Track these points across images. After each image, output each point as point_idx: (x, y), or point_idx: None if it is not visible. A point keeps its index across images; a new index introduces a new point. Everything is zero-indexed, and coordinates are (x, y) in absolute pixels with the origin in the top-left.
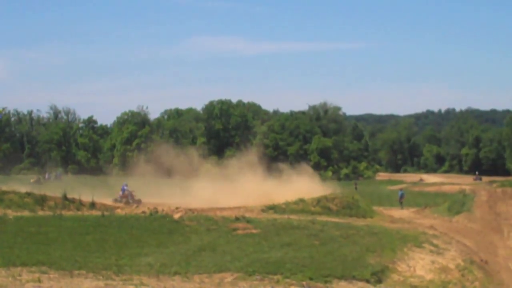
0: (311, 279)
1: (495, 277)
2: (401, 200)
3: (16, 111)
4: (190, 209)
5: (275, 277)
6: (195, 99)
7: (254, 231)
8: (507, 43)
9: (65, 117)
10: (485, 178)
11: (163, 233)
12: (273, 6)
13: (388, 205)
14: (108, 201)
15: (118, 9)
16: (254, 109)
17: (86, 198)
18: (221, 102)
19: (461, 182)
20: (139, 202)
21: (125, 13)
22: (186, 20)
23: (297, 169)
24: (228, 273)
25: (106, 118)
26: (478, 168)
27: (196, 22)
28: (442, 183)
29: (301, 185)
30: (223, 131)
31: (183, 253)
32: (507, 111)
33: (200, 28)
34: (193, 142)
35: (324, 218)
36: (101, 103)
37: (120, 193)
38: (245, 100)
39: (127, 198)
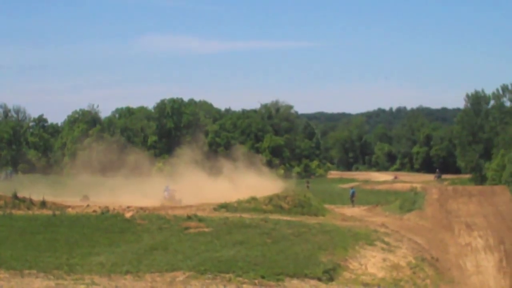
0: (263, 277)
1: (446, 275)
2: (353, 198)
3: None
4: (141, 208)
5: (227, 275)
6: (147, 97)
7: (206, 229)
8: (458, 41)
9: (15, 115)
10: (431, 176)
11: (114, 232)
12: (225, 5)
13: (340, 203)
14: (59, 200)
15: (69, 7)
16: (206, 108)
17: (37, 197)
18: (173, 101)
19: (416, 180)
20: (180, 202)
21: (76, 11)
22: (138, 18)
23: (249, 167)
24: (180, 272)
25: (57, 116)
26: (429, 166)
27: (148, 20)
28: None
29: (253, 183)
30: (175, 129)
31: (135, 252)
32: (458, 109)
33: (152, 26)
34: (145, 140)
35: (276, 216)
36: (52, 102)
37: (166, 194)
38: (197, 99)
39: (173, 198)
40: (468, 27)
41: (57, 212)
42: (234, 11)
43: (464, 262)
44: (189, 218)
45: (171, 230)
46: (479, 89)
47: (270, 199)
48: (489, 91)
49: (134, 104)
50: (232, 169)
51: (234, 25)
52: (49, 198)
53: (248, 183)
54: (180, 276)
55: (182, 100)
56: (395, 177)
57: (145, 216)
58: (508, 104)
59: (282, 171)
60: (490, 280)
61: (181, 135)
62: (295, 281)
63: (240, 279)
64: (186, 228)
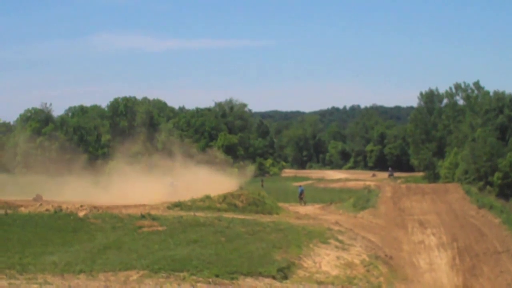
0: (217, 276)
1: (399, 272)
2: (301, 196)
3: None
4: (95, 207)
5: (181, 274)
6: (100, 96)
7: (160, 228)
8: (411, 39)
9: None
10: (384, 174)
11: (67, 232)
12: (180, 2)
13: (294, 201)
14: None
15: (23, 6)
16: (160, 106)
17: None
18: (126, 99)
19: (370, 178)
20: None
21: (30, 10)
22: (91, 16)
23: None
24: (133, 271)
25: (9, 115)
26: (383, 164)
27: (101, 18)
28: (347, 179)
29: (208, 182)
30: (128, 128)
31: (88, 251)
32: (411, 108)
33: (105, 24)
34: (98, 139)
35: (230, 215)
36: (4, 100)
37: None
38: (151, 97)
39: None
40: (420, 25)
41: (9, 211)
42: (188, 9)
43: (417, 259)
44: (143, 217)
45: (125, 229)
46: (432, 87)
47: (224, 197)
48: (442, 89)
49: (87, 103)
50: (186, 168)
51: (188, 23)
52: (1, 197)
53: (203, 181)
54: (134, 275)
55: (135, 98)
56: (373, 175)
57: (98, 215)
58: (461, 102)
59: (236, 170)
60: (443, 277)
61: (134, 133)
62: (249, 280)
63: (194, 277)
64: (140, 227)
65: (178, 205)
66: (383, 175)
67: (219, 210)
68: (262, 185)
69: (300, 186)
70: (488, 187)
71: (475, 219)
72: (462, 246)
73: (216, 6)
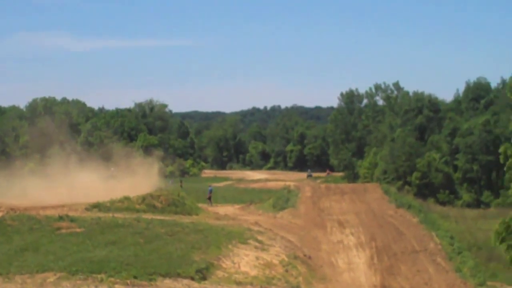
0: (135, 277)
1: (318, 272)
2: (209, 195)
3: None
4: (11, 208)
5: (99, 276)
6: (18, 96)
7: (78, 230)
8: (332, 39)
9: None
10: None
11: None
12: (99, 1)
13: (213, 202)
14: None
15: None
16: (79, 107)
17: None
18: (45, 100)
19: (289, 179)
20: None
21: None
22: (8, 15)
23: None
24: (51, 273)
25: None
26: (303, 164)
27: (18, 18)
28: (267, 180)
29: (127, 182)
30: (47, 129)
31: (5, 253)
32: (331, 108)
33: (22, 24)
34: (16, 140)
35: (149, 216)
36: None
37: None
38: (70, 98)
39: None
40: (341, 24)
41: None
42: (108, 8)
43: (336, 259)
44: (60, 218)
45: (42, 230)
46: (353, 88)
47: (143, 198)
48: (362, 90)
49: (5, 104)
50: (106, 169)
51: (107, 22)
52: None
53: (121, 182)
54: (51, 277)
55: (54, 99)
56: (328, 173)
57: (15, 217)
58: (381, 102)
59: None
60: (362, 277)
61: (53, 134)
62: (167, 281)
63: (112, 279)
64: (58, 229)
65: (97, 206)
66: (302, 175)
67: (138, 211)
68: (181, 186)
69: (209, 186)
70: (406, 186)
71: (394, 219)
72: (380, 246)
73: (137, 5)
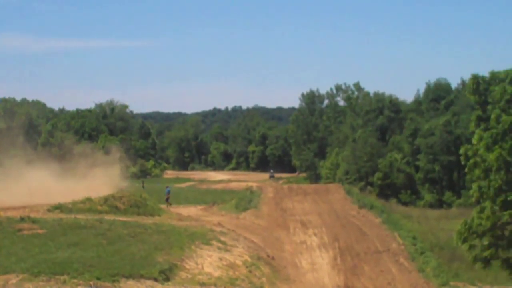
0: (98, 278)
1: (281, 273)
2: (167, 196)
3: None
4: None
5: (62, 277)
6: None
7: (40, 231)
8: (293, 40)
9: None
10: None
11: None
12: (59, 2)
13: (175, 203)
14: None
15: None
16: (39, 107)
17: None
18: (5, 101)
19: (252, 179)
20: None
21: None
22: None
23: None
24: (13, 275)
25: None
26: (265, 165)
27: None
28: (230, 180)
29: (89, 183)
30: (7, 130)
31: None
32: (293, 109)
33: None
34: None
35: (111, 217)
36: None
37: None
38: (30, 99)
39: None
40: (299, 24)
41: None
42: (68, 9)
43: (299, 259)
44: (22, 219)
45: (4, 232)
46: (314, 88)
47: (106, 199)
48: (323, 90)
49: None
50: (67, 169)
51: (67, 22)
52: None
53: (84, 183)
54: (13, 278)
55: (14, 99)
56: (298, 174)
57: None
58: (342, 103)
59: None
60: (325, 277)
61: (14, 135)
62: (131, 282)
63: (75, 280)
64: (19, 230)
65: (59, 207)
66: (264, 176)
67: (100, 212)
68: (143, 187)
69: (167, 187)
70: (368, 187)
71: (356, 219)
72: (343, 246)
73: (97, 6)
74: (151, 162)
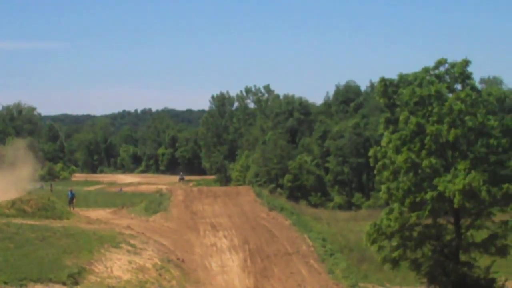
0: (5, 283)
1: (191, 275)
2: (72, 201)
3: None
4: None
5: None
6: None
7: None
8: (200, 42)
9: None
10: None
11: None
12: None
13: (84, 206)
14: None
15: None
16: None
17: None
18: None
19: (161, 182)
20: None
21: None
22: None
23: None
24: None
25: None
26: (175, 167)
27: None
28: (139, 183)
29: None
30: None
31: None
32: (203, 111)
33: None
34: None
35: (19, 220)
36: None
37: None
38: None
39: None
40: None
41: None
42: None
43: (209, 262)
44: None
45: None
46: (224, 91)
47: (13, 203)
48: (233, 93)
49: None
50: None
51: None
52: None
53: None
54: None
55: None
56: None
57: None
58: (252, 105)
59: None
60: (235, 279)
61: None
62: (39, 286)
63: None
64: None
65: None
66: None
67: (7, 215)
68: (51, 190)
69: (70, 190)
70: (278, 189)
71: (266, 221)
72: (253, 248)
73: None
74: (60, 165)
